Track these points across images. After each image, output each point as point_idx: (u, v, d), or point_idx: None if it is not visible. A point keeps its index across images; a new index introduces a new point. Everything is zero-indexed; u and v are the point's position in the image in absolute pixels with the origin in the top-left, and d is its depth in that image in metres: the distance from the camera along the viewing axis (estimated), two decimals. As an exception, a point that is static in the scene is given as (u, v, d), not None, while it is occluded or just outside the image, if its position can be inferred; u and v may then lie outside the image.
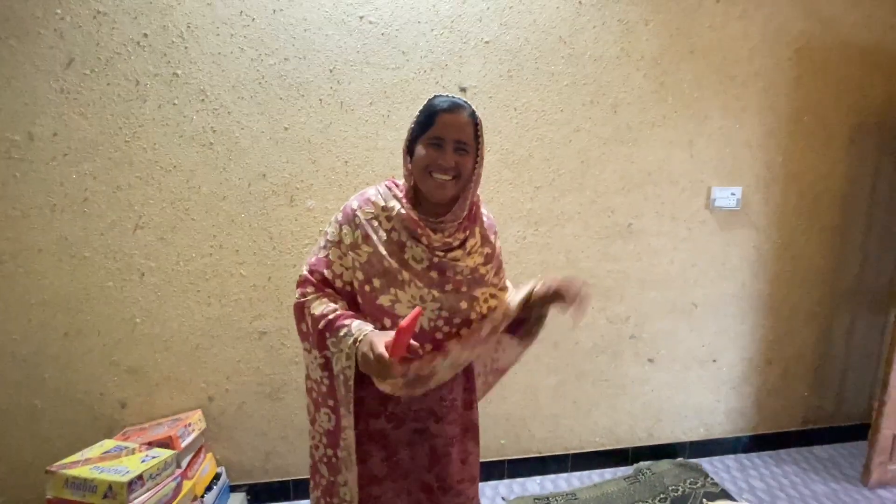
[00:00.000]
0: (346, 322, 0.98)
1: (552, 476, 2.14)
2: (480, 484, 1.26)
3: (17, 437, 1.74)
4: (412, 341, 0.89)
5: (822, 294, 2.25)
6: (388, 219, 1.03)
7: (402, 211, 1.02)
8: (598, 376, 2.12)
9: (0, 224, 1.62)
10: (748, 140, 2.05)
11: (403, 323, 0.85)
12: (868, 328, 2.32)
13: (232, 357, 1.83)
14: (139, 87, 1.63)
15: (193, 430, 1.71)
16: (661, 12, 1.89)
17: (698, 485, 1.99)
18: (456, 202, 1.03)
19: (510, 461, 2.11)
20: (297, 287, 1.07)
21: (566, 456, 2.16)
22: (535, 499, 1.94)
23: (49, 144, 1.61)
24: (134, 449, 1.53)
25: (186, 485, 1.57)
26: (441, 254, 1.03)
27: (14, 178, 1.60)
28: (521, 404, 2.08)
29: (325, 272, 1.05)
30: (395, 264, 1.01)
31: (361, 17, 1.71)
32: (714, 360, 2.22)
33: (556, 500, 1.93)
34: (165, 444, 1.59)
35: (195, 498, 1.61)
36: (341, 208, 1.08)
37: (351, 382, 0.99)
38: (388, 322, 1.03)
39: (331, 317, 1.00)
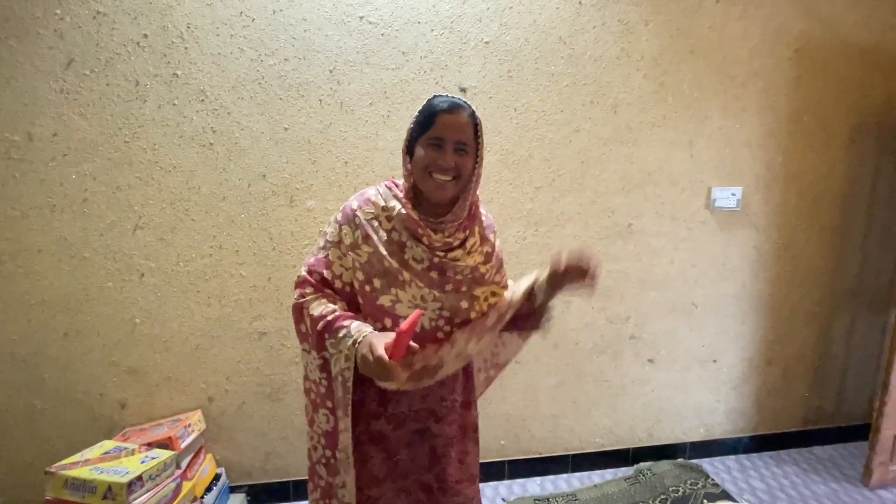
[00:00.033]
0: (346, 323, 0.98)
1: (552, 477, 2.14)
2: (480, 484, 1.26)
3: (16, 438, 1.74)
4: (412, 343, 0.89)
5: (823, 294, 2.25)
6: (389, 219, 1.03)
7: (403, 211, 1.01)
8: (598, 376, 2.12)
9: (0, 224, 1.62)
10: (748, 140, 2.05)
11: (403, 326, 0.85)
12: (868, 328, 2.32)
13: (232, 357, 1.83)
14: (139, 88, 1.63)
15: (193, 431, 1.71)
16: (661, 13, 1.89)
17: (699, 485, 1.99)
18: (456, 202, 1.03)
19: (510, 462, 2.11)
20: (296, 288, 1.06)
21: (566, 456, 2.16)
22: (535, 499, 1.94)
23: (49, 145, 1.61)
24: (133, 450, 1.52)
25: (186, 485, 1.57)
26: (441, 254, 1.03)
27: (14, 178, 1.60)
28: (521, 405, 2.08)
29: (325, 273, 1.05)
30: (395, 264, 1.00)
31: (361, 18, 1.71)
32: (714, 361, 2.22)
33: (557, 500, 1.93)
34: (165, 444, 1.59)
35: (195, 499, 1.61)
36: (341, 208, 1.07)
37: (349, 384, 0.98)
38: (388, 322, 1.03)
39: (330, 318, 0.99)
